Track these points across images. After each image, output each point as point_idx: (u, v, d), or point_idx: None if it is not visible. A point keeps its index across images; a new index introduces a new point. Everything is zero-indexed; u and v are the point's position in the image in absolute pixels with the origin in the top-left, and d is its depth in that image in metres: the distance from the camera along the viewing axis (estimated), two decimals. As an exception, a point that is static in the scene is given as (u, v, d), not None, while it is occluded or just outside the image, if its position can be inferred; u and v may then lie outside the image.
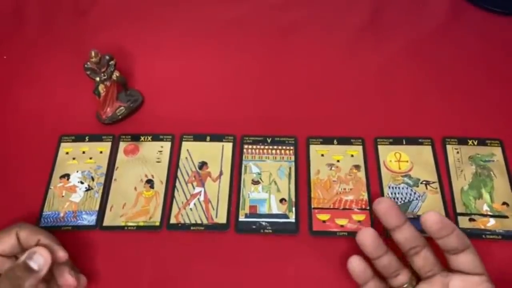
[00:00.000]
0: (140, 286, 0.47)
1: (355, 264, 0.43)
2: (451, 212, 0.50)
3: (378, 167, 0.53)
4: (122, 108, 0.57)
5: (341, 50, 0.65)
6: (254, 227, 0.50)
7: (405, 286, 0.43)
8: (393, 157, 0.54)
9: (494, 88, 0.60)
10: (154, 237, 0.50)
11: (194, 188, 0.53)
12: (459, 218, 0.50)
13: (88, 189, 0.53)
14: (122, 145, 0.56)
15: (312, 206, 0.51)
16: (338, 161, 0.54)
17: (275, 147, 0.55)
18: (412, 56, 0.64)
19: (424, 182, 0.52)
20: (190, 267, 0.48)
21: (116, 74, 0.55)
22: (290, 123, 0.57)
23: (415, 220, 0.49)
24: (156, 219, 0.50)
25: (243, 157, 0.54)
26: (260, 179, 0.53)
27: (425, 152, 0.54)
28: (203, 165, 0.54)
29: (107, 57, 0.54)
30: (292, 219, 0.50)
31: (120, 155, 0.55)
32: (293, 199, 0.51)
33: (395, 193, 0.52)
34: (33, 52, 0.65)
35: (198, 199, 0.52)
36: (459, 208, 0.50)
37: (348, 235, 0.49)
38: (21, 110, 0.59)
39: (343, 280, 0.46)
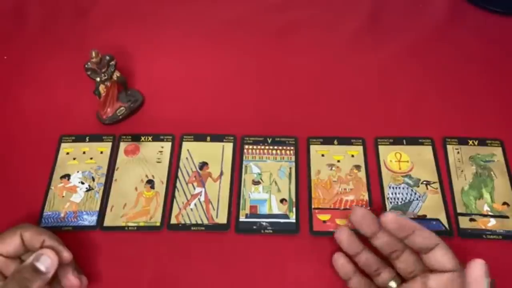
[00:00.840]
0: (141, 286, 0.47)
1: (337, 258, 0.46)
2: (451, 212, 0.50)
3: (378, 167, 0.54)
4: (122, 108, 0.57)
5: (341, 50, 0.65)
6: (254, 227, 0.50)
7: (390, 284, 0.44)
8: (393, 157, 0.54)
9: (494, 88, 0.60)
10: (155, 237, 0.50)
11: (194, 188, 0.53)
12: (460, 218, 0.50)
13: (89, 189, 0.53)
14: (123, 145, 0.56)
15: (313, 206, 0.51)
16: (338, 161, 0.54)
17: (276, 147, 0.55)
18: (412, 56, 0.64)
19: (424, 182, 0.52)
20: (190, 267, 0.48)
21: (116, 74, 0.55)
22: (291, 123, 0.57)
23: (416, 220, 0.49)
24: (157, 220, 0.50)
25: (244, 157, 0.54)
26: (261, 179, 0.53)
27: (426, 152, 0.54)
28: (203, 165, 0.54)
29: (108, 57, 0.54)
30: (292, 219, 0.50)
31: (121, 155, 0.55)
32: (294, 199, 0.51)
33: (395, 193, 0.52)
34: (33, 52, 0.65)
35: (199, 199, 0.52)
36: (460, 208, 0.50)
37: (348, 235, 0.49)
38: (22, 110, 0.59)
39: (343, 280, 0.46)
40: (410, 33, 0.66)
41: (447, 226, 0.49)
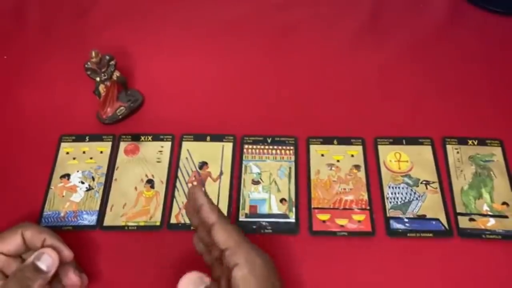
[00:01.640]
0: (141, 285, 0.47)
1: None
2: (451, 212, 0.50)
3: (378, 167, 0.54)
4: (122, 108, 0.58)
5: (341, 50, 0.65)
6: (254, 227, 0.50)
7: None
8: (393, 157, 0.54)
9: (494, 88, 0.60)
10: (155, 237, 0.50)
11: (194, 188, 0.53)
12: (459, 218, 0.50)
13: (89, 189, 0.53)
14: (123, 145, 0.56)
15: (312, 206, 0.51)
16: (338, 161, 0.54)
17: (275, 147, 0.55)
18: (412, 56, 0.64)
19: (424, 182, 0.52)
20: (190, 267, 0.48)
21: (116, 74, 0.55)
22: (290, 123, 0.57)
23: (416, 220, 0.50)
24: (157, 219, 0.50)
25: (243, 157, 0.55)
26: (260, 179, 0.53)
27: (425, 152, 0.55)
28: (203, 165, 0.54)
29: (108, 57, 0.54)
30: (292, 219, 0.50)
31: (121, 155, 0.55)
32: (293, 199, 0.51)
33: (395, 193, 0.52)
34: (33, 52, 0.65)
35: (199, 199, 0.52)
36: (459, 208, 0.50)
37: (348, 235, 0.49)
38: (22, 110, 0.59)
39: (343, 279, 0.46)
40: (410, 33, 0.66)
41: (446, 226, 0.49)
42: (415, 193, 0.52)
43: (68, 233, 0.50)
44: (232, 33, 0.67)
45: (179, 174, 0.53)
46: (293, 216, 0.50)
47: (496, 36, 0.66)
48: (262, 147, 0.55)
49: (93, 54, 0.52)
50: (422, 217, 0.50)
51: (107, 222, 0.50)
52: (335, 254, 0.48)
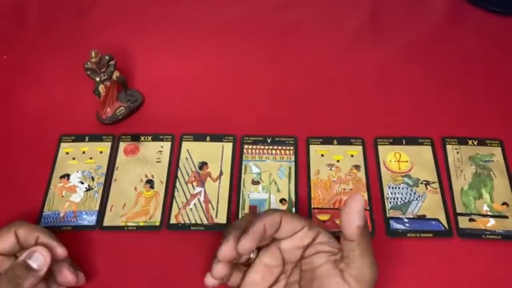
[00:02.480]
0: (140, 286, 0.47)
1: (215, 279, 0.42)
2: (451, 212, 0.50)
3: (378, 167, 0.54)
4: (122, 108, 0.58)
5: (341, 50, 0.65)
6: (254, 227, 0.50)
7: (251, 257, 0.43)
8: (393, 157, 0.54)
9: (494, 88, 0.60)
10: (154, 237, 0.50)
11: (194, 188, 0.53)
12: (459, 218, 0.50)
13: (88, 189, 0.53)
14: (122, 145, 0.56)
15: (312, 206, 0.51)
16: (338, 161, 0.54)
17: (275, 147, 0.55)
18: (412, 56, 0.64)
19: (424, 182, 0.52)
20: (190, 267, 0.48)
21: (116, 74, 0.55)
22: (290, 123, 0.57)
23: (416, 220, 0.50)
24: (156, 219, 0.50)
25: (243, 157, 0.55)
26: (260, 179, 0.53)
27: (425, 152, 0.54)
28: (203, 165, 0.54)
29: (107, 57, 0.54)
30: (292, 219, 0.50)
31: (120, 155, 0.55)
32: (293, 199, 0.51)
33: (395, 193, 0.52)
34: (33, 52, 0.65)
35: (198, 199, 0.52)
36: (459, 208, 0.50)
37: (348, 235, 0.49)
38: (21, 110, 0.59)
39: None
40: (410, 33, 0.66)
41: (446, 226, 0.49)
42: (415, 193, 0.52)
43: (68, 233, 0.50)
44: (232, 33, 0.67)
45: (179, 174, 0.53)
46: (293, 216, 0.50)
47: (496, 36, 0.66)
48: (262, 147, 0.55)
49: (93, 54, 0.52)
50: (422, 217, 0.50)
51: (107, 222, 0.50)
52: (335, 254, 0.48)
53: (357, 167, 0.54)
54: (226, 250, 0.39)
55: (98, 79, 0.54)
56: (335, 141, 0.55)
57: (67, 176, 0.54)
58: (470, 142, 0.55)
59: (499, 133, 0.56)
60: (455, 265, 0.47)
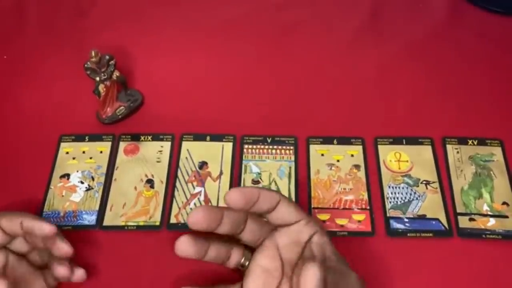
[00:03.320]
0: (140, 285, 0.47)
1: (183, 249, 0.40)
2: (451, 211, 0.50)
3: (378, 167, 0.53)
4: (122, 107, 0.57)
5: (341, 50, 0.65)
6: (254, 227, 0.50)
7: (241, 262, 0.42)
8: (393, 157, 0.54)
9: (494, 88, 0.60)
10: (154, 237, 0.50)
11: (194, 188, 0.53)
12: (459, 217, 0.50)
13: (88, 188, 0.53)
14: (122, 145, 0.56)
15: (312, 206, 0.51)
16: (338, 161, 0.54)
17: (275, 147, 0.55)
18: (412, 56, 0.64)
19: (424, 182, 0.52)
20: (190, 267, 0.48)
21: (116, 73, 0.55)
22: (290, 123, 0.57)
23: (416, 220, 0.50)
24: (156, 219, 0.50)
25: (243, 157, 0.55)
26: (260, 179, 0.53)
27: (425, 152, 0.54)
28: (203, 164, 0.54)
29: (107, 57, 0.54)
30: (292, 219, 0.50)
31: (120, 155, 0.55)
32: (293, 199, 0.51)
33: (395, 193, 0.52)
34: (33, 52, 0.65)
35: (198, 199, 0.52)
36: (459, 208, 0.50)
37: (348, 235, 0.49)
38: (21, 110, 0.59)
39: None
40: (410, 32, 0.66)
41: (446, 225, 0.49)
42: (415, 193, 0.52)
43: (68, 233, 0.49)
44: (232, 32, 0.67)
45: (179, 174, 0.53)
46: (293, 216, 0.50)
47: (496, 36, 0.66)
48: (262, 147, 0.55)
49: (93, 53, 0.52)
50: (422, 217, 0.50)
51: (107, 222, 0.50)
52: (335, 254, 0.48)
53: (357, 166, 0.54)
54: (198, 212, 0.38)
55: (98, 78, 0.54)
56: (335, 141, 0.55)
57: (67, 176, 0.54)
58: (470, 142, 0.55)
59: (499, 133, 0.56)
60: (455, 265, 0.47)
